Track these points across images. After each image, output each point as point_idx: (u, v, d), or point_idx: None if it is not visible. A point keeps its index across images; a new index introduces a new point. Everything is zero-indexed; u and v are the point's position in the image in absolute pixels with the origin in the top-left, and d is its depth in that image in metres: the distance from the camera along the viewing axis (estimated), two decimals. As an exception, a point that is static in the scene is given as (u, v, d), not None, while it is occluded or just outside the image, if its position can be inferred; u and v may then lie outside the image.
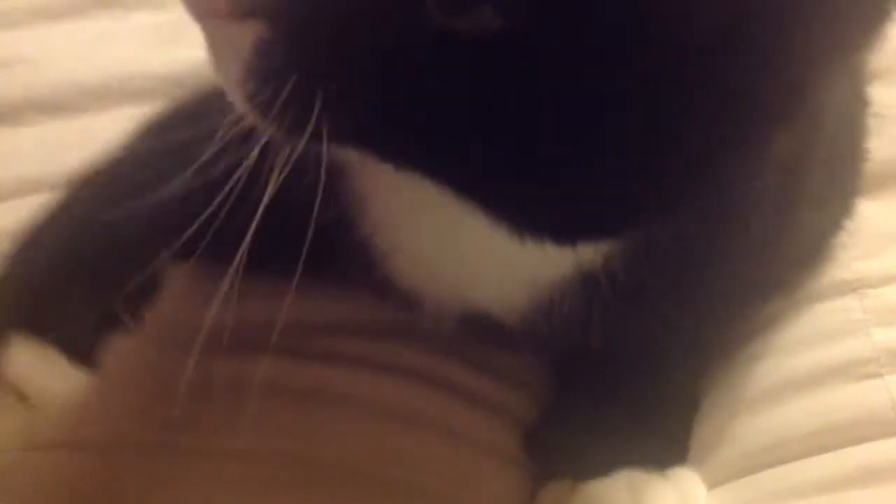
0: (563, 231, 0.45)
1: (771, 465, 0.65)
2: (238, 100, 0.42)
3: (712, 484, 0.64)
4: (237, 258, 0.44)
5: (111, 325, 0.62)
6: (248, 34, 0.40)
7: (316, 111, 0.40)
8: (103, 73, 0.82)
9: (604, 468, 0.61)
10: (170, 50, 0.83)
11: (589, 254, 0.50)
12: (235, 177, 0.44)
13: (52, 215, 0.65)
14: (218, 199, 0.45)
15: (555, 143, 0.41)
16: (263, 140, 0.43)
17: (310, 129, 0.41)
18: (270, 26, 0.40)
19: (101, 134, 0.77)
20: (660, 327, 0.57)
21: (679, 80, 0.39)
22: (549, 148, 0.41)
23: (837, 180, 0.66)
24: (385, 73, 0.40)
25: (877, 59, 0.72)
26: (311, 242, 0.46)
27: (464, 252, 0.52)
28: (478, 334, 0.62)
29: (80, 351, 0.61)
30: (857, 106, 0.67)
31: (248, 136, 0.44)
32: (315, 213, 0.45)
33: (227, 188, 0.44)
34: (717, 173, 0.43)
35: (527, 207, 0.44)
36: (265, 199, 0.43)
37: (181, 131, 0.52)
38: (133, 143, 0.66)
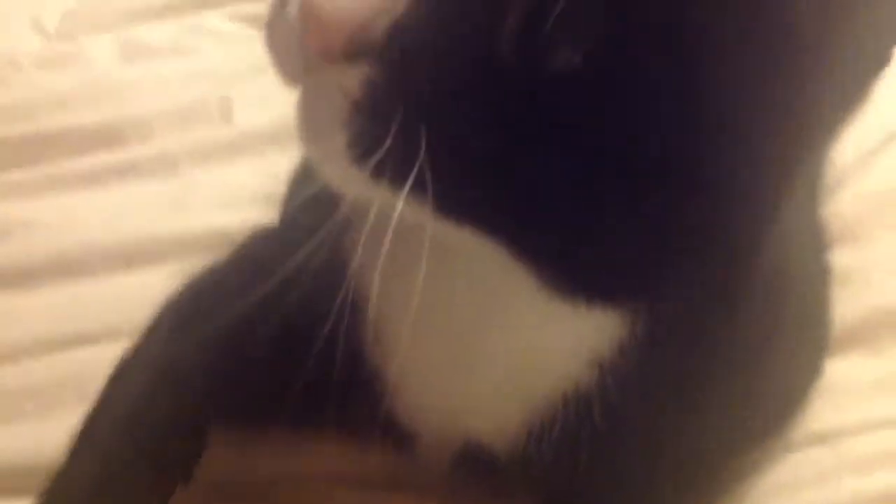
0: (609, 285, 0.47)
1: None
2: (335, 160, 0.43)
3: None
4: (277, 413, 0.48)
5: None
6: (355, 76, 0.42)
7: (421, 152, 0.41)
8: (118, 237, 0.87)
9: None
10: (181, 215, 0.89)
11: (585, 363, 0.52)
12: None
13: (101, 406, 0.68)
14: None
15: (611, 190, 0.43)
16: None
17: (414, 171, 0.41)
18: (380, 65, 0.41)
19: (116, 296, 0.82)
20: (645, 465, 0.59)
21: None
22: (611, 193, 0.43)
23: (807, 338, 0.71)
24: (474, 110, 0.42)
25: (836, 222, 0.79)
26: (321, 388, 0.49)
27: (469, 364, 0.54)
28: (470, 477, 0.64)
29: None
30: (820, 270, 0.72)
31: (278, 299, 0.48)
32: (332, 353, 0.49)
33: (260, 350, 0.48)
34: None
35: (581, 255, 0.45)
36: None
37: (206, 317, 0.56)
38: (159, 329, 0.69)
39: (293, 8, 0.44)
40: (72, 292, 0.83)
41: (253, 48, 1.11)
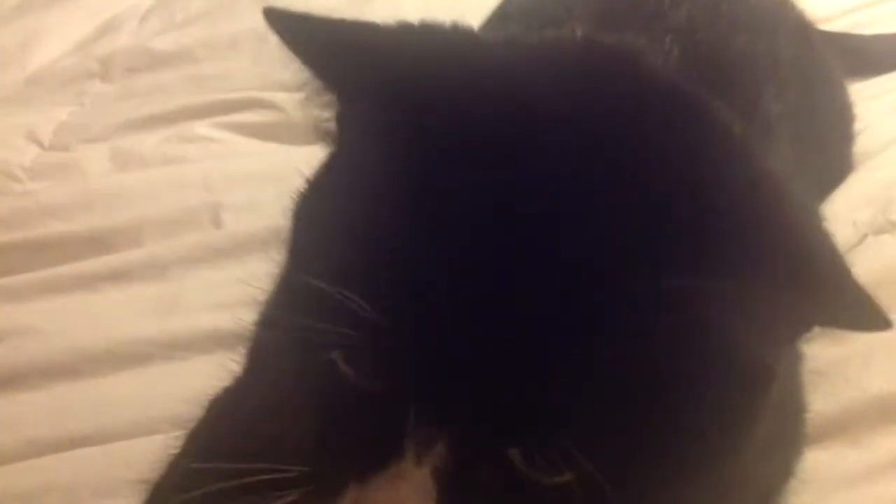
0: None
1: None
2: None
3: None
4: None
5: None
6: None
7: None
8: (106, 340, 0.88)
9: None
10: (170, 318, 0.90)
11: None
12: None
13: None
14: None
15: None
16: None
17: None
18: None
19: (105, 398, 0.83)
20: None
21: None
22: None
23: (785, 430, 0.72)
24: None
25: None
26: None
27: None
28: None
29: None
30: (797, 364, 0.73)
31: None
32: None
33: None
34: None
35: None
36: None
37: None
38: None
39: None
40: (61, 396, 0.84)
41: (241, 156, 1.16)
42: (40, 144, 1.19)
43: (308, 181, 0.56)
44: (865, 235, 0.92)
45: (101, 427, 0.80)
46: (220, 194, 1.05)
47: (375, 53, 0.53)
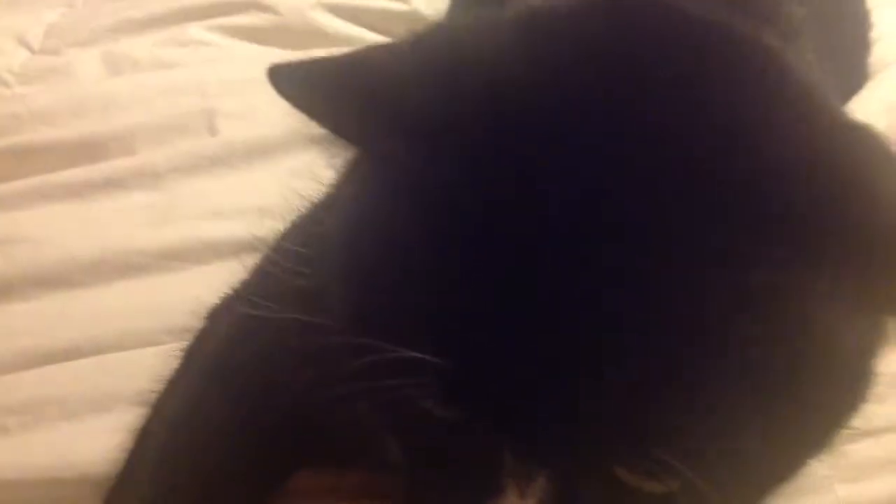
0: None
1: None
2: None
3: None
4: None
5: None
6: None
7: None
8: (99, 249, 0.86)
9: None
10: (164, 228, 0.88)
11: None
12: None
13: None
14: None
15: None
16: None
17: None
18: None
19: (98, 309, 0.82)
20: None
21: None
22: None
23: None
24: None
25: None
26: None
27: None
28: None
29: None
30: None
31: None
32: None
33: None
34: None
35: None
36: None
37: None
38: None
39: None
40: (54, 306, 0.82)
41: (236, 60, 1.13)
42: (30, 48, 1.16)
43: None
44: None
45: (95, 338, 0.78)
46: (216, 100, 1.02)
47: (391, 92, 0.47)
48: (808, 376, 0.46)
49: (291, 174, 0.70)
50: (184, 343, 0.71)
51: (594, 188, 0.43)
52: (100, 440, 0.68)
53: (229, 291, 0.71)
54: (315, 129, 0.47)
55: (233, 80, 1.03)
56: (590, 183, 0.43)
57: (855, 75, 0.96)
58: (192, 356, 0.70)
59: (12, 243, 0.87)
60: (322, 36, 1.13)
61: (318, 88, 0.48)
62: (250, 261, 0.71)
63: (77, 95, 1.05)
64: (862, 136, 0.48)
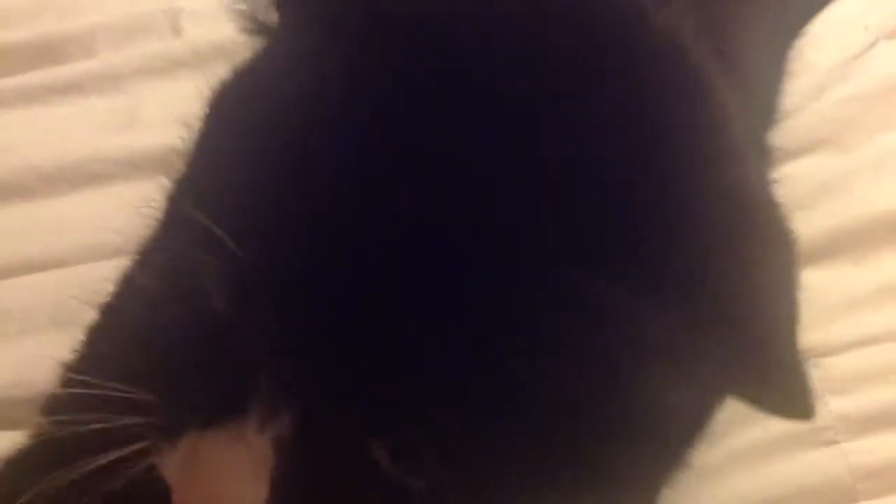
0: None
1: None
2: None
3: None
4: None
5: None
6: None
7: None
8: (60, 157, 0.82)
9: None
10: (125, 134, 0.84)
11: None
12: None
13: None
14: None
15: None
16: None
17: None
18: None
19: (58, 218, 0.78)
20: None
21: None
22: None
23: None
24: None
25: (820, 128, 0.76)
26: None
27: None
28: None
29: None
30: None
31: None
32: None
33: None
34: None
35: None
36: None
37: None
38: None
39: None
40: (14, 217, 0.79)
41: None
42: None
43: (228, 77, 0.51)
44: (877, 40, 0.88)
45: (56, 251, 0.76)
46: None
47: None
48: (612, 419, 0.44)
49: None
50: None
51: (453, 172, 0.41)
52: (62, 356, 0.66)
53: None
54: None
55: (197, -22, 0.98)
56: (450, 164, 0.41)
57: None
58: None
59: (-36, 151, 0.83)
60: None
61: None
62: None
63: (33, -5, 1.00)
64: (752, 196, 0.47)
